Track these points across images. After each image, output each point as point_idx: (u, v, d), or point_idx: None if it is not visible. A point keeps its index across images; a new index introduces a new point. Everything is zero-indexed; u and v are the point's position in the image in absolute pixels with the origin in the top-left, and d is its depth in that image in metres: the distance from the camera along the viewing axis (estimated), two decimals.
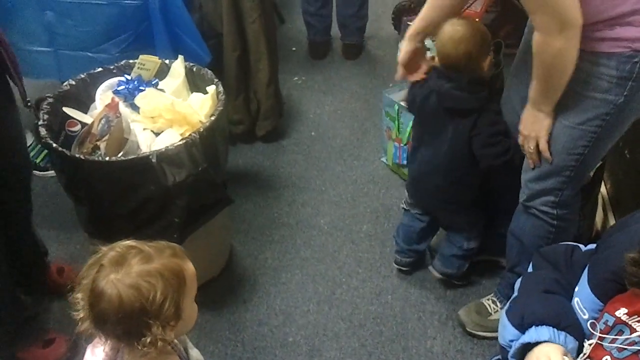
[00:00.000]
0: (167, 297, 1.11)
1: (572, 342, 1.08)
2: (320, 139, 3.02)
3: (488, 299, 2.11)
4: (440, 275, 2.23)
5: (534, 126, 1.63)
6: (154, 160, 1.84)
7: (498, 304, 2.09)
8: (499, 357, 1.33)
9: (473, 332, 2.09)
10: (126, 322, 1.09)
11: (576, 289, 1.13)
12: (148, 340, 1.09)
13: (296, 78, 3.46)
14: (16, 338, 2.06)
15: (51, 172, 2.71)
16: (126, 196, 1.93)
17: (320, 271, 2.36)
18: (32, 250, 2.24)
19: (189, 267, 1.20)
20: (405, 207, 2.24)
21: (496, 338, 1.96)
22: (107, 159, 1.87)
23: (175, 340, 1.25)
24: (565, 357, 1.04)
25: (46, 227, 2.46)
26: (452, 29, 1.84)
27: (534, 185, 1.73)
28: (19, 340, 2.07)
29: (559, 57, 1.45)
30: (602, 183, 2.28)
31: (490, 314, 2.08)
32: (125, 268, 1.11)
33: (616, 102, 1.50)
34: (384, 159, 2.82)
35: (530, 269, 1.33)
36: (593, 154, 1.62)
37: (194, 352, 1.36)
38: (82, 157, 1.88)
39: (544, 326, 1.09)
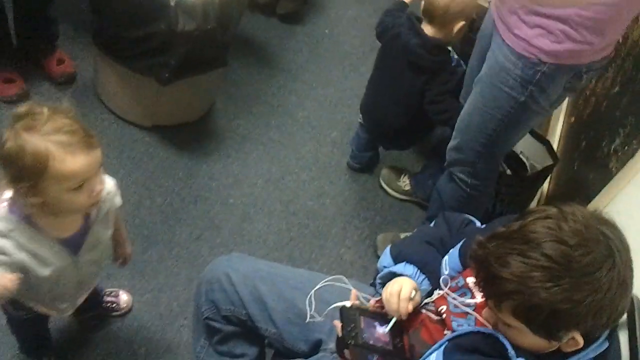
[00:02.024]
0: (22, 172, 1.18)
1: (426, 285, 1.34)
2: (331, 39, 3.17)
3: (406, 234, 2.38)
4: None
5: None
6: (172, 3, 2.01)
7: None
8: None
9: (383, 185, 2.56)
10: (5, 171, 1.22)
11: (450, 251, 1.38)
12: (17, 194, 1.23)
13: None
14: None
15: None
16: (138, 25, 2.11)
17: (279, 155, 2.59)
18: (42, 27, 2.44)
19: (69, 161, 1.19)
20: (360, 120, 2.52)
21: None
22: None
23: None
24: (414, 290, 1.30)
25: (62, 20, 2.58)
26: None
27: (452, 153, 1.97)
28: None
29: None
30: (548, 180, 2.51)
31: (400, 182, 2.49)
32: (20, 124, 1.19)
33: (518, 99, 1.69)
34: None
35: (432, 224, 1.57)
36: (501, 138, 1.83)
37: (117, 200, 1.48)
38: None
39: (412, 265, 1.35)
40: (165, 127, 2.50)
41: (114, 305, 1.95)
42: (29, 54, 2.49)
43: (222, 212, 2.34)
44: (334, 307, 1.37)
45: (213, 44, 2.23)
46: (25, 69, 2.47)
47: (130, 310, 1.99)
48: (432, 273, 1.36)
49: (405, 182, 2.54)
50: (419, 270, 1.36)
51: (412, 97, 2.22)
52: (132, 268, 2.08)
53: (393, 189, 2.55)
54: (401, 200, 2.56)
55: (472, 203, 2.02)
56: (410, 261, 1.37)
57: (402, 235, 2.38)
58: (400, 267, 1.37)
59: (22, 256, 1.31)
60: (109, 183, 1.43)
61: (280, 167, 2.55)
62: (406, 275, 1.36)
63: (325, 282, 1.53)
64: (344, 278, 1.53)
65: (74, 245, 1.39)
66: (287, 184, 2.50)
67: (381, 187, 2.58)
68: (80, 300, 1.60)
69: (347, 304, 1.36)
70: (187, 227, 2.26)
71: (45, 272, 1.35)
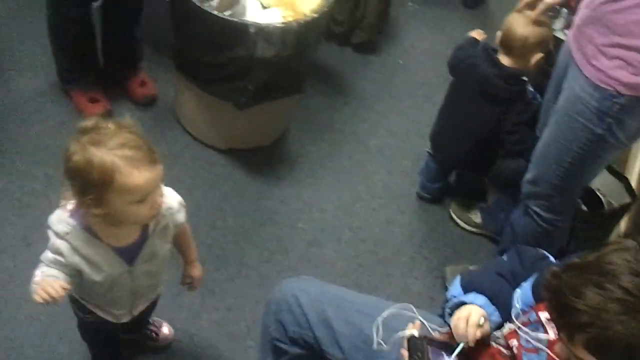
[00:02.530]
0: (88, 184, 1.23)
1: (496, 317, 1.31)
2: (405, 70, 3.18)
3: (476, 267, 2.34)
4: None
5: None
6: (252, 30, 2.07)
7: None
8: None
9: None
10: (72, 183, 1.27)
11: (522, 284, 1.35)
12: (81, 205, 1.28)
13: (410, 4, 3.57)
14: (76, 79, 2.51)
15: None
16: (218, 50, 2.18)
17: (350, 182, 2.61)
18: (127, 47, 2.58)
19: (134, 175, 1.23)
20: (429, 150, 2.52)
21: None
22: (216, 12, 2.11)
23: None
24: (483, 318, 1.28)
25: (146, 43, 2.71)
26: (527, 14, 2.04)
27: (528, 186, 1.94)
28: (77, 81, 2.51)
29: None
30: (624, 218, 2.42)
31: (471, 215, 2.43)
32: (86, 138, 1.23)
33: (595, 131, 1.65)
34: None
35: (505, 257, 1.55)
36: (578, 171, 1.79)
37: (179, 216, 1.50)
38: (196, 2, 2.12)
39: (482, 295, 1.33)
40: (240, 150, 2.56)
41: (153, 334, 1.94)
42: (114, 75, 2.61)
43: (292, 235, 2.37)
44: (401, 336, 1.36)
45: (290, 71, 2.29)
46: (110, 90, 2.59)
47: (168, 346, 1.96)
48: (502, 305, 1.34)
49: (476, 215, 2.51)
50: (489, 301, 1.33)
51: (485, 128, 2.21)
52: (203, 286, 2.11)
53: (463, 221, 2.52)
54: (471, 232, 2.52)
55: (547, 238, 1.97)
56: (480, 291, 1.35)
57: (472, 268, 2.34)
58: (470, 297, 1.35)
59: (76, 259, 1.36)
60: (173, 200, 1.47)
61: (350, 194, 2.56)
62: (475, 305, 1.34)
63: (393, 309, 1.52)
64: (412, 307, 1.52)
65: (129, 254, 1.43)
66: (356, 211, 2.51)
67: (451, 218, 2.55)
68: (139, 309, 1.63)
69: (415, 332, 1.34)
70: (257, 249, 2.29)
71: (97, 277, 1.39)
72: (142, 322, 1.85)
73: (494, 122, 2.18)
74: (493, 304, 1.34)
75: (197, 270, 1.69)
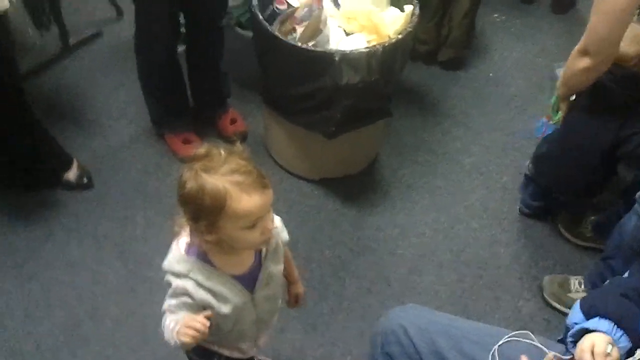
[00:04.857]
0: (201, 210, 1.23)
1: (625, 342, 1.19)
2: (496, 83, 3.07)
3: (576, 278, 2.18)
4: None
5: None
6: (336, 58, 2.04)
7: (582, 286, 2.17)
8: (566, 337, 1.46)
9: (547, 299, 2.20)
10: (185, 210, 1.27)
11: None
12: (195, 231, 1.27)
13: (496, 15, 3.45)
14: (169, 122, 2.56)
15: (250, 32, 2.99)
16: (303, 81, 2.17)
17: (447, 203, 2.51)
18: (215, 85, 2.62)
19: (245, 200, 1.23)
20: (528, 173, 2.36)
21: (566, 314, 2.11)
22: (299, 44, 2.10)
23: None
24: (610, 345, 1.16)
25: (233, 81, 2.74)
26: (633, 28, 1.86)
27: None
28: (169, 124, 2.56)
29: None
30: None
31: (571, 291, 2.17)
32: (198, 165, 1.24)
33: None
34: (536, 127, 2.82)
35: (626, 274, 1.42)
36: None
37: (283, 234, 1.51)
38: (279, 35, 2.12)
39: (607, 320, 1.21)
40: (331, 179, 2.53)
41: None
42: (205, 115, 2.65)
43: (391, 263, 2.30)
44: None
45: (376, 95, 2.24)
46: (202, 129, 2.63)
47: None
48: (630, 329, 1.22)
49: (587, 228, 2.35)
50: (615, 325, 1.22)
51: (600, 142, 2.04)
52: (305, 322, 2.09)
53: (574, 236, 2.37)
54: (584, 247, 2.36)
55: None
56: (604, 315, 1.23)
57: (572, 279, 2.19)
58: (593, 323, 1.24)
59: (202, 295, 1.34)
60: (275, 219, 1.46)
61: (448, 216, 2.47)
62: (600, 331, 1.22)
63: (510, 337, 1.42)
64: (530, 334, 1.42)
65: (249, 281, 1.41)
66: (456, 233, 2.41)
67: (560, 234, 2.40)
68: (262, 340, 1.60)
69: None
70: (357, 279, 2.24)
71: (226, 309, 1.38)
72: None
73: (612, 138, 2.00)
74: (620, 328, 1.22)
75: (301, 289, 1.69)
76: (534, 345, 1.40)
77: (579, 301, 1.31)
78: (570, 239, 2.38)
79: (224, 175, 1.24)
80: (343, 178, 2.55)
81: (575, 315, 1.29)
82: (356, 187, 2.54)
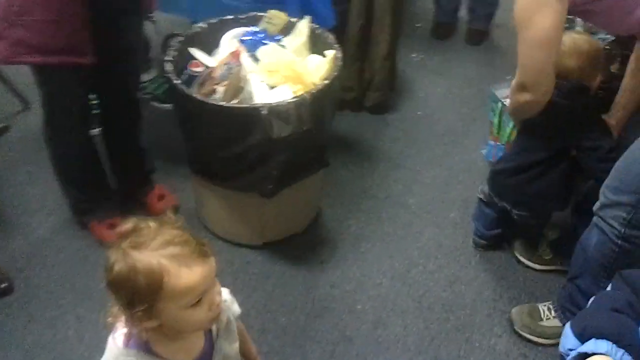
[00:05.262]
0: (135, 294, 1.07)
1: None
2: (426, 120, 3.03)
3: (544, 305, 2.09)
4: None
5: None
6: (264, 112, 1.93)
7: (552, 312, 2.08)
8: None
9: (520, 332, 2.09)
10: (117, 297, 1.11)
11: None
12: (131, 320, 1.11)
13: (414, 55, 3.46)
14: (92, 209, 2.36)
15: (168, 105, 2.87)
16: (233, 141, 2.04)
17: (399, 248, 2.40)
18: (137, 163, 2.46)
19: (185, 274, 1.08)
20: (482, 198, 2.28)
21: (542, 344, 2.04)
22: (223, 103, 1.98)
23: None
24: None
25: (155, 156, 2.59)
26: (570, 39, 1.85)
27: (609, 194, 1.70)
28: (93, 211, 2.37)
29: None
30: None
31: (542, 319, 2.08)
32: (126, 243, 1.10)
33: None
34: (484, 151, 2.80)
35: (609, 288, 1.32)
36: None
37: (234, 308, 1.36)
38: (200, 98, 2.00)
39: (604, 340, 1.11)
40: (275, 242, 2.38)
41: None
42: (130, 196, 2.47)
43: (352, 321, 2.15)
44: None
45: (311, 146, 2.14)
46: (129, 211, 2.43)
47: None
48: (631, 345, 1.11)
49: (545, 250, 2.27)
50: (614, 345, 1.11)
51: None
52: None
53: (533, 262, 2.29)
54: (546, 271, 2.28)
55: (624, 258, 1.72)
56: (600, 336, 1.13)
57: (541, 306, 2.09)
58: (590, 346, 1.13)
59: None
60: (223, 291, 1.29)
61: (403, 261, 2.35)
62: (600, 354, 1.11)
63: None
64: None
65: None
66: (414, 278, 2.29)
67: (518, 261, 2.32)
68: None
69: None
70: (318, 344, 2.07)
71: None
72: None
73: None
74: (620, 347, 1.11)
75: None
76: None
77: (568, 325, 1.20)
78: (530, 265, 2.30)
79: (156, 249, 1.08)
80: (287, 239, 2.40)
81: (568, 340, 1.18)
82: (302, 246, 2.40)
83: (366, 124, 3.00)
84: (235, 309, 1.36)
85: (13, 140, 2.84)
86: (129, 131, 2.39)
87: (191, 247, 1.10)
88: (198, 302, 1.11)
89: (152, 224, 1.13)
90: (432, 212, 2.55)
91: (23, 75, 2.70)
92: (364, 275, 2.29)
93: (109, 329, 1.19)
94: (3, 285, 2.18)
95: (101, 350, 1.19)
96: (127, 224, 1.13)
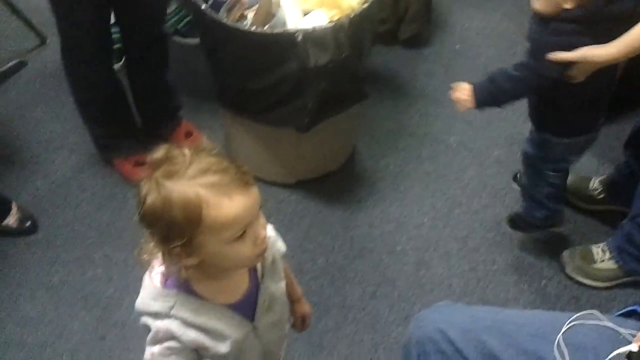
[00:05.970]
0: (172, 228, 0.96)
1: None
2: (464, 54, 2.86)
3: (598, 246, 1.97)
4: None
5: None
6: (299, 38, 1.78)
7: (607, 254, 1.95)
8: (635, 307, 1.22)
9: (571, 274, 1.98)
10: (152, 232, 1.00)
11: None
12: (169, 257, 1.00)
13: None
14: (116, 146, 2.27)
15: (191, 40, 2.72)
16: (264, 71, 1.90)
17: (441, 187, 2.27)
18: (163, 99, 2.33)
19: (226, 205, 0.96)
20: None
21: (594, 287, 1.94)
22: (254, 28, 1.83)
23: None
24: None
25: (182, 92, 2.47)
26: None
27: None
28: (117, 148, 2.27)
29: None
30: None
31: (595, 261, 1.96)
32: (159, 172, 0.98)
33: None
34: None
35: None
36: None
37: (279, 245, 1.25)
38: (230, 23, 1.85)
39: None
40: (310, 180, 2.26)
41: None
42: (156, 132, 2.35)
43: (393, 262, 2.04)
44: (618, 354, 1.00)
45: (349, 76, 1.98)
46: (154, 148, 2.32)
47: None
48: None
49: (596, 190, 2.13)
50: None
51: None
52: (308, 341, 1.81)
53: (584, 201, 2.15)
54: (597, 211, 2.14)
55: None
56: None
57: (594, 248, 1.97)
58: None
59: (192, 335, 1.06)
60: (267, 226, 1.17)
61: (445, 201, 2.22)
62: None
63: (573, 321, 1.17)
64: (597, 313, 1.17)
65: (246, 309, 1.14)
66: (458, 218, 2.17)
67: (568, 201, 2.18)
68: None
69: (634, 347, 0.99)
70: (358, 285, 1.97)
71: (224, 348, 1.10)
72: None
73: None
74: None
75: (307, 307, 1.41)
76: (604, 326, 1.16)
77: None
78: (581, 206, 2.16)
79: (192, 178, 0.96)
80: (322, 177, 2.28)
81: None
82: (338, 184, 2.27)
83: (401, 58, 2.83)
84: (281, 246, 1.25)
85: (30, 76, 2.71)
86: (154, 67, 2.25)
87: (231, 175, 0.98)
88: (241, 235, 0.99)
89: (186, 151, 1.00)
90: (474, 150, 2.41)
91: (39, 12, 2.58)
92: (404, 216, 2.18)
93: (144, 267, 1.08)
94: (28, 224, 2.09)
95: (131, 290, 1.11)
96: (159, 152, 1.00)
